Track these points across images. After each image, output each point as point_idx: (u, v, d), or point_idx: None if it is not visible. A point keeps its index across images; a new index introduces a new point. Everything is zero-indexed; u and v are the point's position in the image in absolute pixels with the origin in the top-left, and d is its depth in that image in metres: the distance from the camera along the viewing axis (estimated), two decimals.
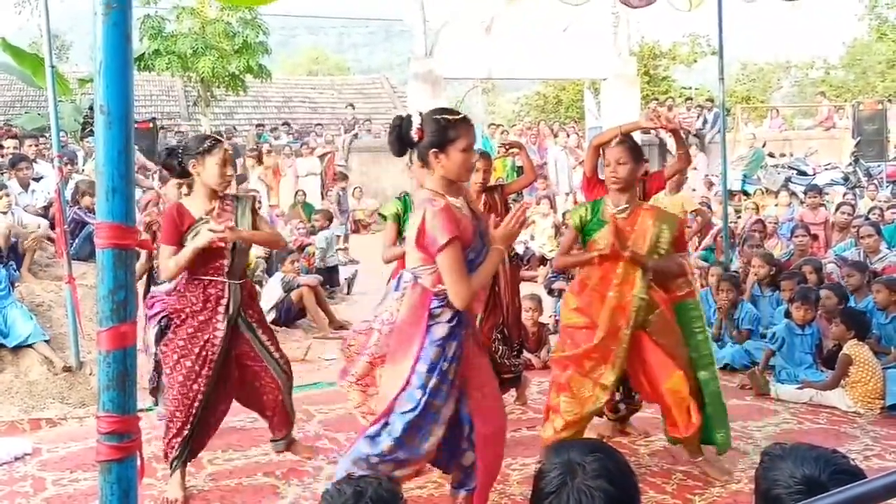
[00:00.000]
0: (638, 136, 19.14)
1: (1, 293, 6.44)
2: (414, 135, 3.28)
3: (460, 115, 3.36)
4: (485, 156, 4.78)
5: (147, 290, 5.17)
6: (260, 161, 15.59)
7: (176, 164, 4.24)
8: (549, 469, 1.79)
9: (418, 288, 3.32)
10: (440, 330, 3.28)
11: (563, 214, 11.54)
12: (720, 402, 4.36)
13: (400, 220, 4.94)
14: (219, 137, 4.41)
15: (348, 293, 10.53)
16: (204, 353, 4.16)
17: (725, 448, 4.41)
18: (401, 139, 3.34)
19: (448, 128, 3.27)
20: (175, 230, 4.13)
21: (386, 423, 3.30)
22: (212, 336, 4.18)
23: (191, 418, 4.15)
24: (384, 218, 5.19)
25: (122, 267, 1.70)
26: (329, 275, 10.08)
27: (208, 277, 4.20)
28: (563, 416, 4.21)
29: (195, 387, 4.15)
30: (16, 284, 6.82)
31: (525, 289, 6.80)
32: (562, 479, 1.75)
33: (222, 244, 4.10)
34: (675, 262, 4.28)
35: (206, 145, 4.19)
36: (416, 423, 3.28)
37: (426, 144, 3.28)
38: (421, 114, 3.34)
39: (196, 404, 4.15)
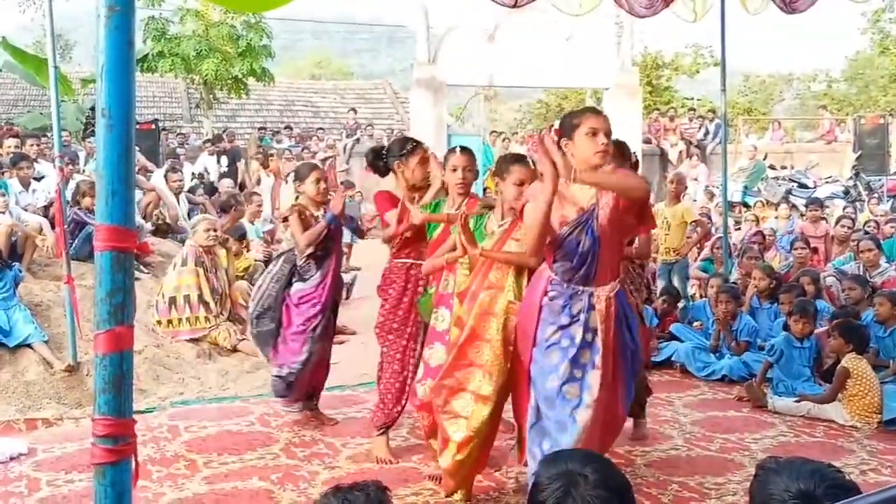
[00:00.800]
0: (639, 146, 19.09)
1: (5, 294, 6.44)
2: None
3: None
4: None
5: None
6: (266, 165, 15.60)
7: (381, 165, 4.84)
8: (548, 481, 1.78)
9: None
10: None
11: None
12: None
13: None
14: (418, 141, 4.91)
15: (347, 298, 10.51)
16: (410, 329, 4.72)
17: None
18: None
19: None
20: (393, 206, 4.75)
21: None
22: (414, 315, 4.72)
23: (405, 389, 4.68)
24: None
25: (120, 270, 1.70)
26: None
27: (410, 260, 4.74)
28: (454, 438, 3.93)
29: (407, 360, 4.72)
30: (19, 285, 6.81)
31: None
32: (564, 490, 1.74)
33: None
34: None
35: (408, 148, 4.74)
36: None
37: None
38: None
39: (409, 375, 4.68)
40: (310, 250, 5.21)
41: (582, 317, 3.49)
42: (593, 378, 3.48)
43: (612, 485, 1.76)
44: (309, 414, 5.51)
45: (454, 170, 4.42)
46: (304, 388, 5.38)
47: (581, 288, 3.52)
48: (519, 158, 4.18)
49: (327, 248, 5.28)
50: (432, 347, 4.37)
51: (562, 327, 3.51)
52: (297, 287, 5.28)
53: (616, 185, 3.46)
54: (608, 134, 3.51)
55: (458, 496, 4.17)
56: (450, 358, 3.98)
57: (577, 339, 3.47)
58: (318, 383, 5.54)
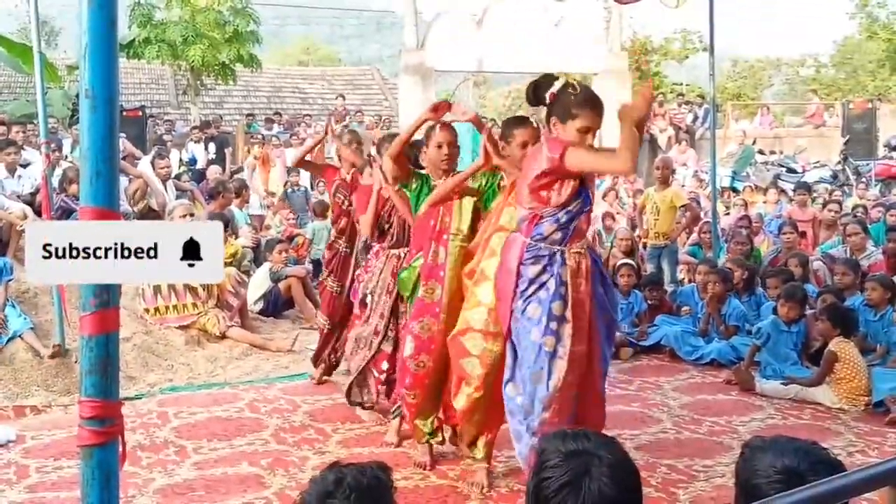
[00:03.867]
0: None
1: None
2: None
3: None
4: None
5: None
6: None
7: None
8: (560, 459, 1.74)
9: None
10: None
11: None
12: None
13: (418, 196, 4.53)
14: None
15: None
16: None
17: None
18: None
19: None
20: None
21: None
22: None
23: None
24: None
25: None
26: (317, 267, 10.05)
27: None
28: (472, 374, 3.96)
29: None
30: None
31: None
32: (577, 471, 1.71)
33: None
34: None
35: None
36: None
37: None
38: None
39: None
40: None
41: (555, 269, 3.61)
42: (565, 330, 3.57)
43: (626, 470, 1.75)
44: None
45: (438, 146, 4.37)
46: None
47: (556, 248, 3.64)
48: (522, 120, 4.23)
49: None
50: (422, 321, 4.29)
51: (540, 284, 3.61)
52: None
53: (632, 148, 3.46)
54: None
55: (478, 453, 4.16)
56: (465, 304, 4.06)
57: (552, 291, 3.58)
58: None
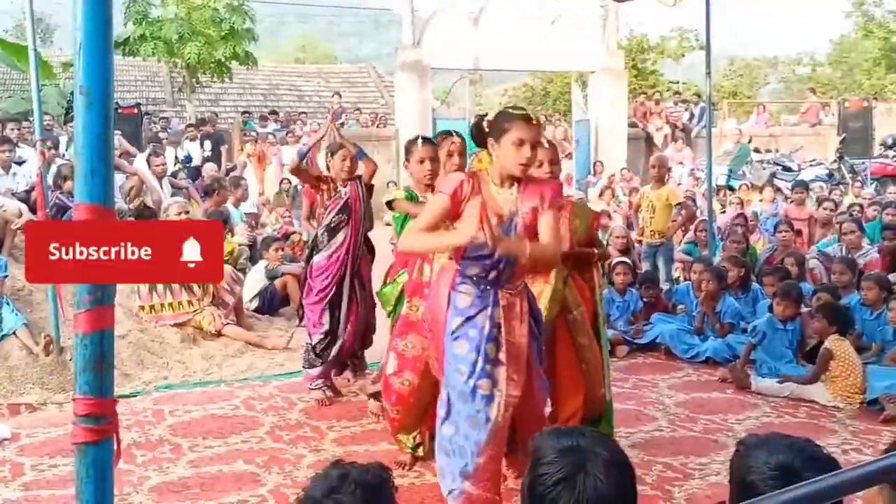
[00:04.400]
0: (624, 130, 19.10)
1: None
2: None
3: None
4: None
5: None
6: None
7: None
8: (556, 455, 1.74)
9: None
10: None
11: None
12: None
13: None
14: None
15: None
16: None
17: None
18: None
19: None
20: None
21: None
22: None
23: None
24: (390, 206, 4.57)
25: None
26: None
27: None
28: None
29: None
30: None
31: None
32: (573, 466, 1.71)
33: None
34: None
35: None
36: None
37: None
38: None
39: None
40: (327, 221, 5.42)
41: (489, 310, 3.43)
42: (500, 374, 3.42)
43: (621, 467, 1.75)
44: (330, 395, 5.60)
45: (421, 161, 4.38)
46: (334, 360, 5.55)
47: (489, 288, 3.45)
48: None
49: (340, 220, 5.40)
50: (406, 338, 4.26)
51: (469, 318, 3.44)
52: (314, 259, 5.49)
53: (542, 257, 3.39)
54: (535, 146, 3.39)
55: None
56: None
57: (486, 331, 3.40)
58: (351, 353, 5.67)
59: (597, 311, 4.47)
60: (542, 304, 4.00)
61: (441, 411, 3.52)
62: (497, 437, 3.44)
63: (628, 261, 7.99)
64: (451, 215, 3.39)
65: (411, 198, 4.44)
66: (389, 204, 4.52)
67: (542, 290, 4.10)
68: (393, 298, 4.45)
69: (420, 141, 4.45)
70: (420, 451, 4.42)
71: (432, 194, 4.23)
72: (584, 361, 4.29)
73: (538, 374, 3.65)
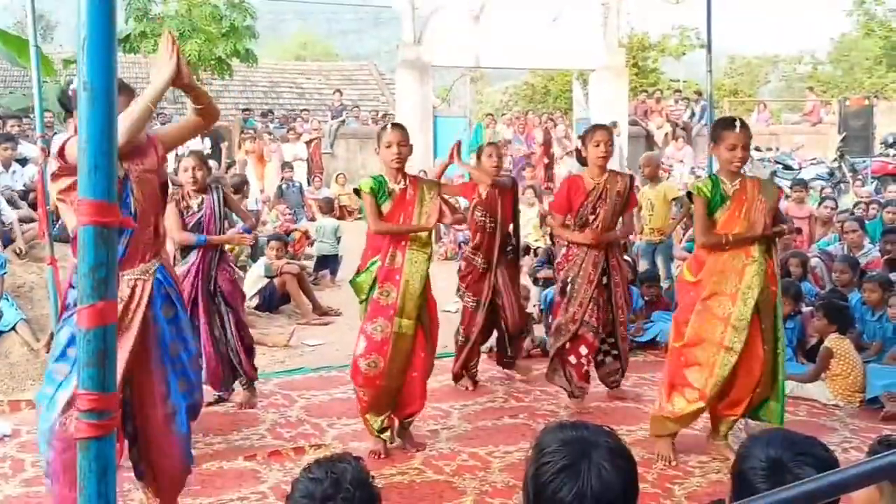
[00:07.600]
0: (625, 128, 19.08)
1: None
2: None
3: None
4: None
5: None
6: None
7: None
8: (559, 445, 1.73)
9: None
10: None
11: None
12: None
13: (376, 197, 4.56)
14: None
15: (332, 280, 10.50)
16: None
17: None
18: None
19: None
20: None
21: None
22: None
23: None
24: (358, 193, 4.70)
25: (103, 244, 1.68)
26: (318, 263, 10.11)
27: None
28: (695, 385, 4.32)
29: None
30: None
31: None
32: (576, 454, 1.70)
33: None
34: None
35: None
36: None
37: None
38: None
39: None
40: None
41: None
42: None
43: (624, 456, 1.75)
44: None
45: (388, 146, 4.50)
46: (214, 378, 5.34)
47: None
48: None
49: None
50: (375, 322, 4.45)
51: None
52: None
53: None
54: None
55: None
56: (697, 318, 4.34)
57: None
58: (223, 371, 5.42)
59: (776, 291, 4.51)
60: (746, 282, 4.24)
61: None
62: (59, 424, 3.15)
63: (628, 258, 7.99)
64: None
65: (380, 183, 4.54)
66: (357, 192, 4.67)
67: (746, 263, 4.26)
68: (366, 286, 4.54)
69: (389, 126, 4.61)
70: (386, 436, 4.56)
71: (402, 178, 4.54)
72: (766, 343, 4.38)
73: (164, 379, 3.45)
